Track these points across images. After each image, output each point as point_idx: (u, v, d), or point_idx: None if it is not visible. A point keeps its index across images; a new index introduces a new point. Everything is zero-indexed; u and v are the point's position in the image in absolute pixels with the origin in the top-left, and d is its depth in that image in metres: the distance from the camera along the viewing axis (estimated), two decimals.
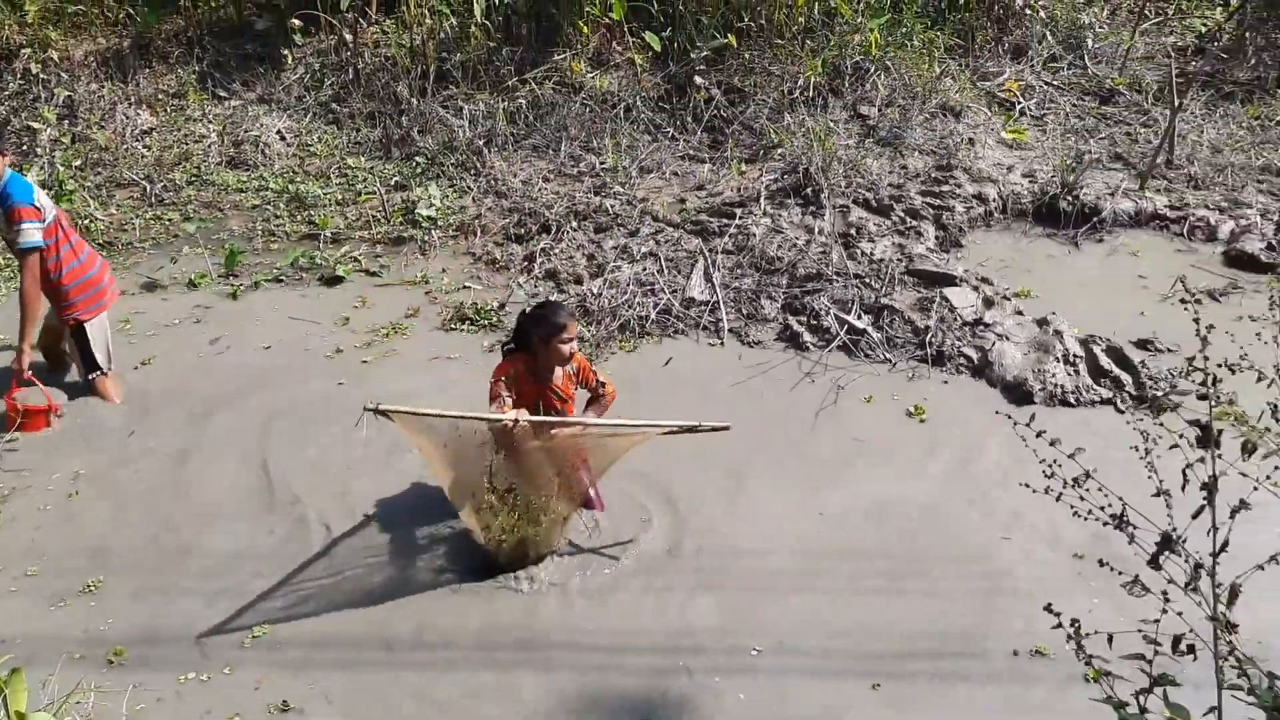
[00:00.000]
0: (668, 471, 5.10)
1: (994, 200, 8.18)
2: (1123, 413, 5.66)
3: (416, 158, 8.52)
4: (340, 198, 8.14)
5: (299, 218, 7.91)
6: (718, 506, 4.96)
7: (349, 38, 9.27)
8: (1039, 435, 2.51)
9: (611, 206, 7.79)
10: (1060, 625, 2.07)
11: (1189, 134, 9.34)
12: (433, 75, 9.06)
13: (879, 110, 8.90)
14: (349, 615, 4.30)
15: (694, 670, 4.01)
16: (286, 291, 7.02)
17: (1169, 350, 6.24)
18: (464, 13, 9.20)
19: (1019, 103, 9.69)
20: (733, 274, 7.00)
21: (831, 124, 8.54)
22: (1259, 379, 2.72)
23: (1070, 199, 8.07)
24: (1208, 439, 2.43)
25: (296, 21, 9.15)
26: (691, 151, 8.66)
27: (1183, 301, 2.49)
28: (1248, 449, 2.38)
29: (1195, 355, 2.43)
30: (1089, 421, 5.61)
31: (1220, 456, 2.47)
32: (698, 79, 8.94)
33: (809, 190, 7.75)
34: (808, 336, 6.38)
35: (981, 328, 6.33)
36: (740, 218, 7.53)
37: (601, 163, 8.39)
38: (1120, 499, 2.45)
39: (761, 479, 5.15)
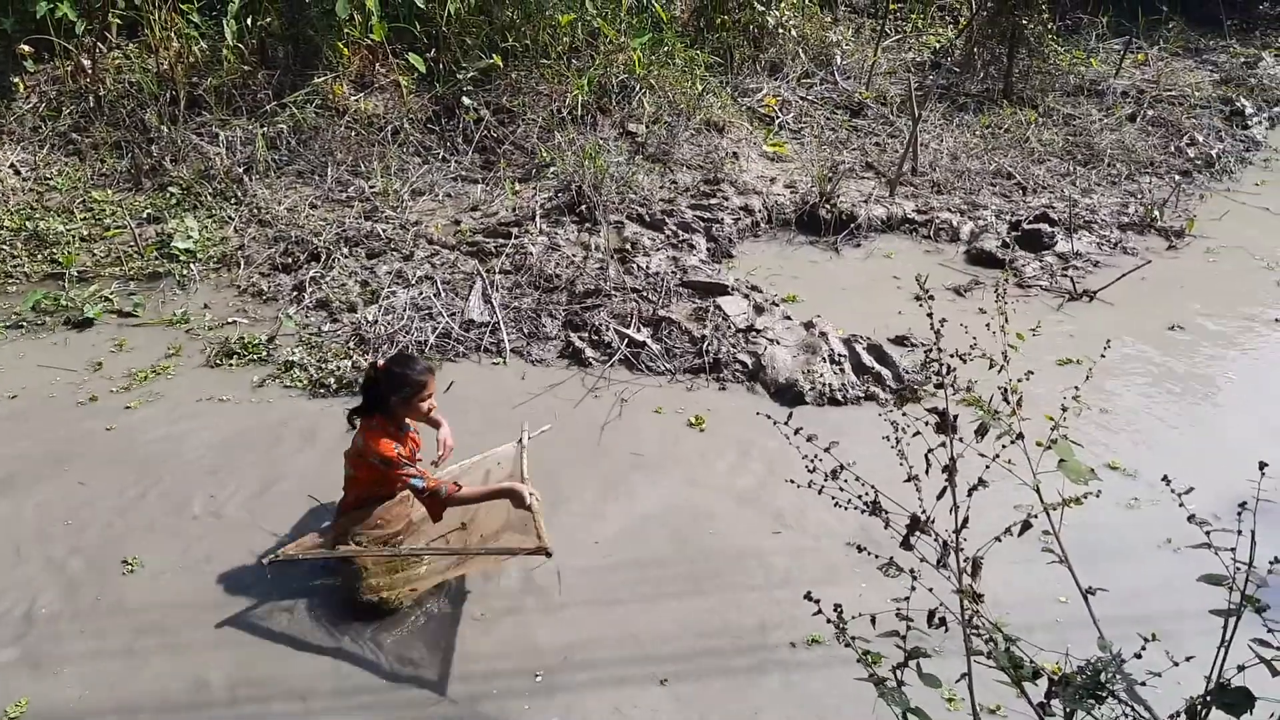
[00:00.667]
0: None
1: (760, 211, 8.54)
2: (885, 405, 6.00)
3: (170, 188, 8.05)
4: (86, 234, 7.58)
5: (39, 257, 7.31)
6: None
7: (86, 63, 8.66)
8: (796, 433, 2.62)
9: (384, 231, 7.62)
10: (820, 612, 2.17)
11: (930, 143, 10.06)
12: (184, 101, 8.60)
13: (647, 127, 9.12)
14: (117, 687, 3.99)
15: (487, 697, 3.95)
16: (27, 340, 6.46)
17: (923, 344, 6.67)
18: (215, 35, 8.79)
19: (778, 117, 10.17)
20: (512, 294, 6.98)
21: (601, 142, 8.68)
22: (990, 365, 2.95)
23: (829, 207, 8.53)
24: (944, 425, 2.61)
25: (26, 48, 8.47)
26: (464, 172, 8.59)
27: (916, 298, 2.64)
28: (980, 432, 2.57)
29: (930, 348, 2.61)
30: (857, 416, 5.92)
31: (961, 440, 2.66)
32: (466, 100, 8.90)
33: (584, 207, 7.84)
34: (590, 352, 6.44)
35: (754, 334, 6.58)
36: (517, 237, 7.53)
37: (371, 187, 8.21)
38: (873, 487, 2.59)
39: (550, 497, 5.13)
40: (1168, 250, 8.61)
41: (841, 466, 2.61)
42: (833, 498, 2.71)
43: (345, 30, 8.90)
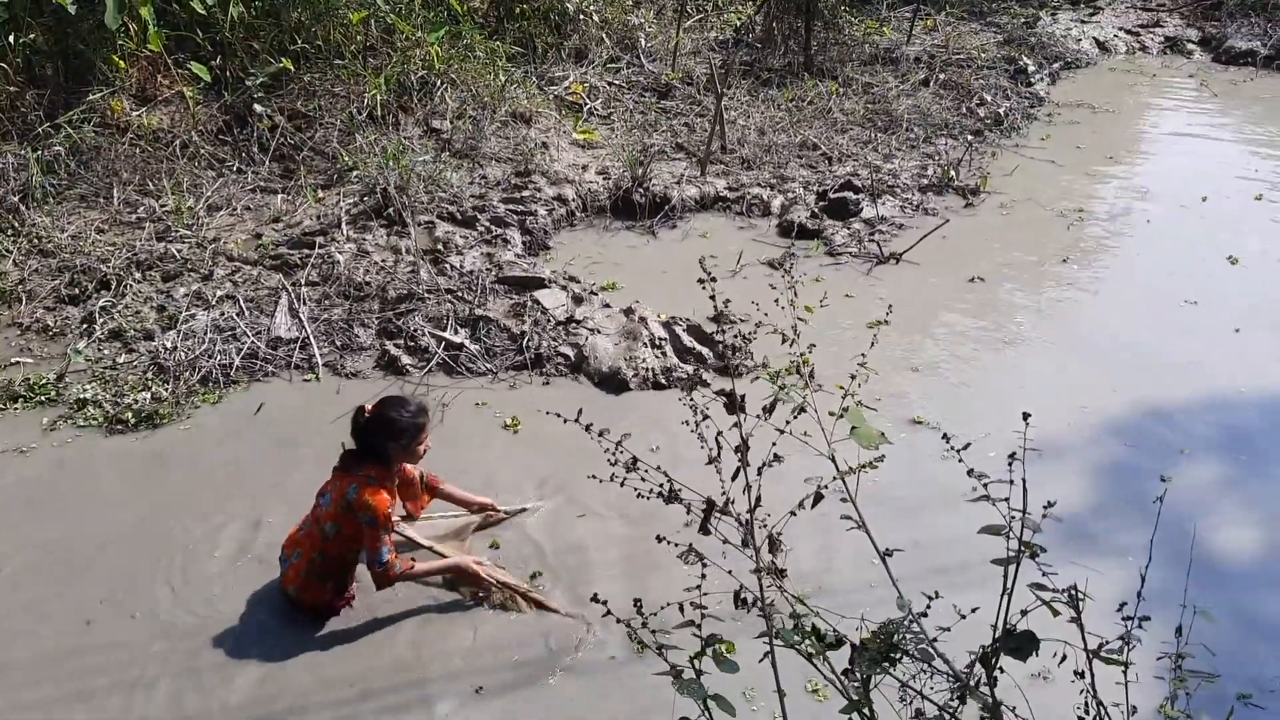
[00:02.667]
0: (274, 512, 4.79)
1: (574, 200, 8.49)
2: (708, 385, 6.05)
3: None
4: None
5: None
6: None
7: None
8: (587, 428, 2.56)
9: (179, 251, 7.21)
10: (609, 614, 2.13)
11: (738, 120, 10.22)
12: None
13: (451, 123, 8.93)
14: None
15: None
16: None
17: (740, 320, 6.75)
18: None
19: (586, 104, 10.13)
20: (321, 306, 6.72)
21: (405, 141, 8.45)
22: (783, 340, 2.97)
23: (642, 191, 8.55)
24: (733, 405, 2.61)
25: None
26: (262, 183, 8.22)
27: (700, 282, 2.63)
28: (769, 409, 2.58)
29: (718, 329, 2.60)
30: (679, 399, 5.94)
31: (758, 418, 2.66)
32: (257, 107, 8.50)
33: (391, 210, 7.61)
34: (406, 359, 6.25)
35: (574, 325, 6.53)
36: (322, 246, 7.25)
37: (162, 205, 7.74)
38: (665, 474, 2.57)
39: None
40: (965, 208, 9.00)
41: (634, 459, 2.57)
42: (634, 489, 2.67)
43: (120, 42, 8.36)
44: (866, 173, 9.26)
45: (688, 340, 6.40)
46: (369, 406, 4.17)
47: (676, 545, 2.43)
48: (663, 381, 6.13)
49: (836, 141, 10.09)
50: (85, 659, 4.08)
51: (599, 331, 6.47)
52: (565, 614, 4.29)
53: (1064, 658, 2.28)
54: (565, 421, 2.63)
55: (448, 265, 7.12)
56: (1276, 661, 4.19)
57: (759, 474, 2.43)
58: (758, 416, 2.60)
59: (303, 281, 6.89)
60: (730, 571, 2.40)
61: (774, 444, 2.48)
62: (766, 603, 2.35)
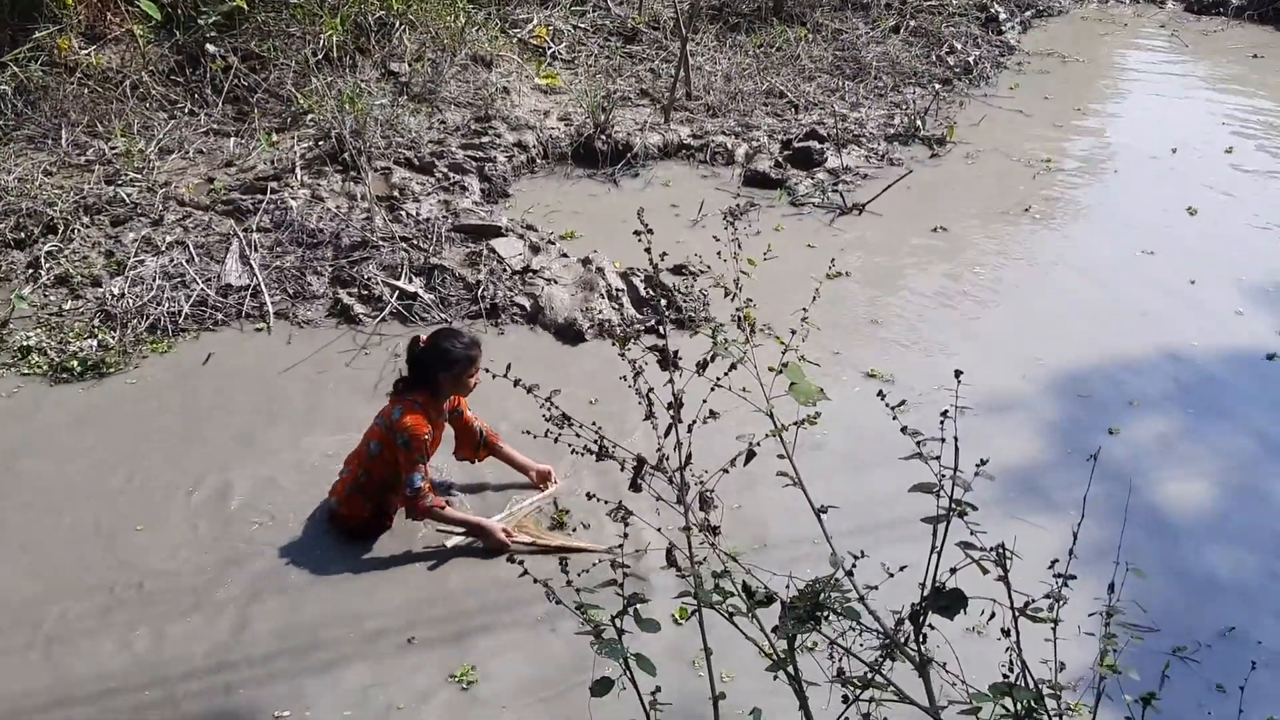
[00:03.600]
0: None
1: (534, 147, 8.35)
2: (664, 338, 5.97)
3: None
4: None
5: None
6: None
7: None
8: (516, 384, 2.51)
9: (129, 195, 7.04)
10: (525, 573, 2.10)
11: (704, 65, 10.07)
12: None
13: (410, 66, 8.73)
14: None
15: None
16: None
17: (702, 272, 6.68)
18: None
19: (549, 48, 9.94)
20: (273, 253, 6.59)
21: (362, 84, 8.26)
22: (726, 294, 2.92)
23: (605, 138, 8.42)
24: (666, 361, 2.57)
25: None
26: (215, 126, 8.03)
27: (636, 234, 2.56)
28: (702, 366, 2.53)
29: (661, 293, 2.55)
30: (635, 352, 5.89)
31: (697, 372, 2.61)
32: (210, 47, 8.27)
33: (347, 155, 7.45)
34: (359, 308, 6.16)
35: (530, 275, 6.45)
36: (276, 191, 7.10)
37: (112, 148, 7.55)
38: (598, 430, 2.53)
39: (326, 465, 4.90)
40: (931, 158, 8.94)
41: (566, 417, 2.53)
42: (570, 445, 2.63)
43: None
44: (832, 121, 9.16)
45: (645, 291, 6.34)
46: (424, 337, 4.31)
47: (606, 502, 2.40)
48: (619, 333, 6.08)
49: (804, 89, 9.96)
50: (41, 609, 4.03)
51: (556, 281, 6.40)
52: (598, 550, 4.30)
53: (992, 615, 2.28)
54: (494, 377, 2.56)
55: (404, 212, 7.00)
56: (1212, 615, 4.24)
57: (689, 431, 2.39)
58: (696, 372, 2.55)
59: (255, 228, 6.75)
60: (660, 530, 2.38)
61: (704, 401, 2.44)
62: (697, 561, 2.33)
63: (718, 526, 2.56)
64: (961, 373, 2.42)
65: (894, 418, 2.46)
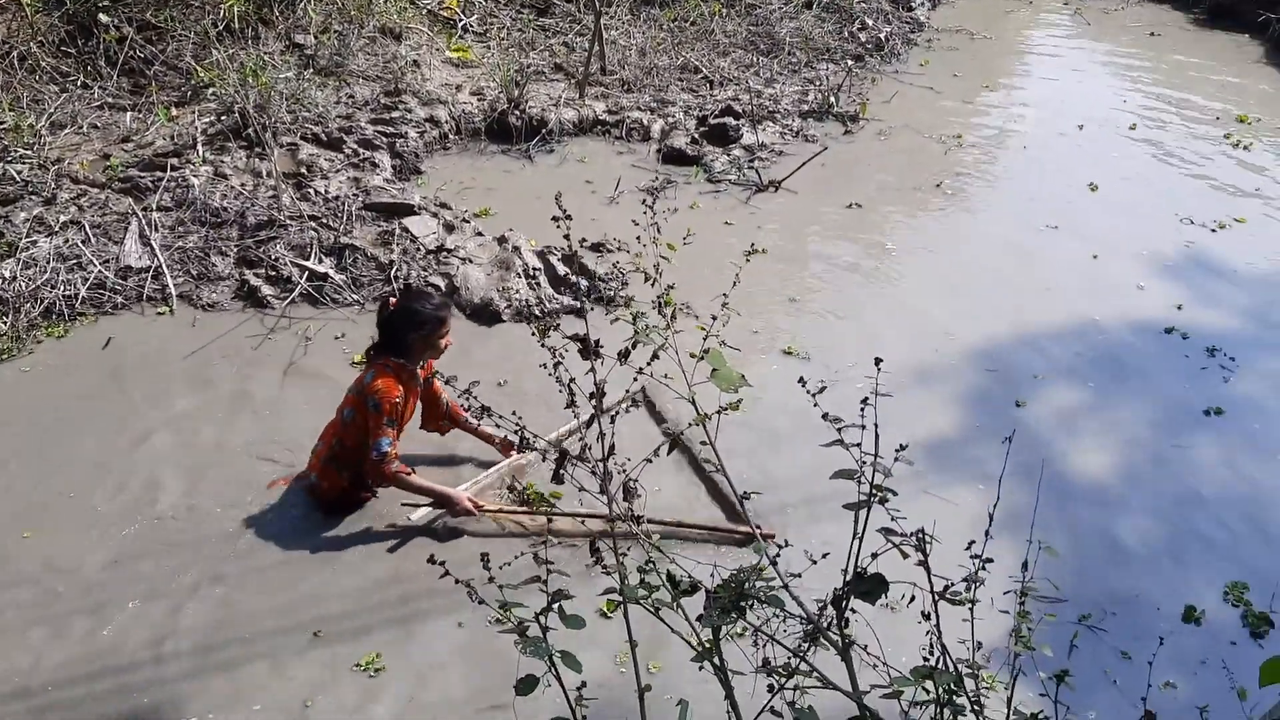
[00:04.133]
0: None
1: (447, 122, 8.19)
2: (582, 317, 5.93)
3: None
4: None
5: None
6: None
7: None
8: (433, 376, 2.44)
9: (19, 173, 6.71)
10: (447, 574, 2.05)
11: (619, 39, 9.97)
12: None
13: (315, 38, 8.47)
14: None
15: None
16: None
17: (619, 249, 6.64)
18: None
19: (460, 20, 9.74)
20: (175, 233, 6.35)
21: (266, 57, 7.99)
22: (646, 279, 2.88)
23: (518, 114, 8.30)
24: (587, 350, 2.52)
25: None
26: (110, 100, 7.69)
27: (554, 219, 2.51)
28: (624, 355, 2.50)
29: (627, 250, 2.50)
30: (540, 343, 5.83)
31: (618, 360, 2.58)
32: (103, 17, 7.90)
33: (251, 131, 7.21)
34: (267, 290, 5.98)
35: (445, 254, 6.33)
36: (176, 169, 6.84)
37: (0, 123, 7.18)
38: (518, 419, 2.48)
39: (236, 453, 4.75)
40: (844, 135, 9.01)
41: (485, 409, 2.47)
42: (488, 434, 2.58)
43: None
44: (748, 98, 9.16)
45: (563, 270, 6.27)
46: (393, 300, 4.27)
47: (542, 493, 2.35)
48: (536, 313, 6.01)
49: (718, 65, 9.95)
50: None
51: (471, 261, 6.29)
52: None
53: (912, 599, 2.30)
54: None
55: (312, 190, 6.81)
56: (1118, 583, 4.38)
57: (612, 421, 2.36)
58: (618, 361, 2.52)
59: (155, 206, 6.49)
60: (584, 521, 2.34)
61: (628, 390, 2.41)
62: (622, 553, 2.30)
63: (642, 516, 2.55)
64: (881, 360, 2.43)
65: (814, 404, 2.45)
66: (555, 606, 2.02)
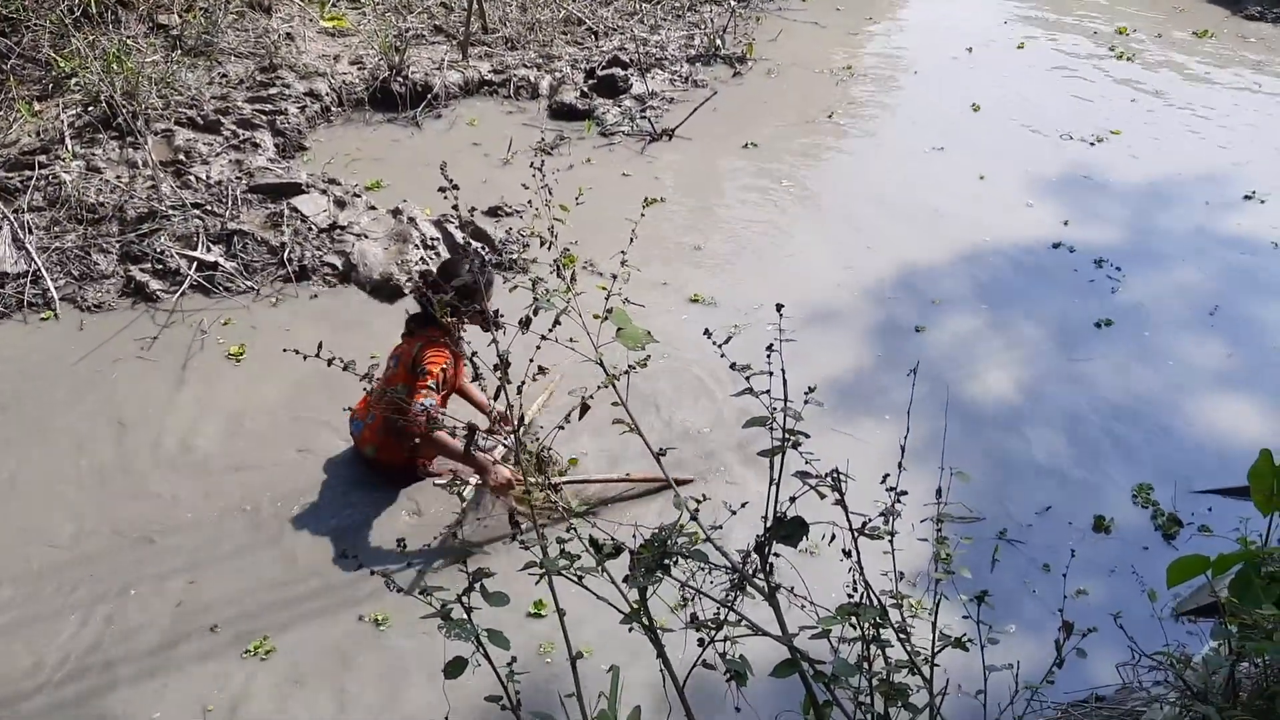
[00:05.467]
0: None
1: (328, 94, 7.95)
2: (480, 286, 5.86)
3: None
4: None
5: None
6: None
7: None
8: (330, 363, 2.37)
9: None
10: (361, 565, 2.01)
11: None
12: None
13: (180, 17, 8.11)
14: None
15: None
16: None
17: (517, 212, 6.55)
18: None
19: None
20: (50, 233, 6.06)
21: (129, 41, 7.62)
22: (542, 244, 2.84)
23: (401, 80, 8.08)
24: (487, 323, 2.48)
25: None
26: None
27: (440, 190, 2.45)
28: (524, 324, 2.46)
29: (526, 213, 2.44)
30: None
31: (519, 329, 2.54)
32: None
33: (121, 120, 6.89)
34: (155, 284, 5.75)
35: (339, 231, 6.17)
36: (46, 166, 6.50)
37: None
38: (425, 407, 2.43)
39: (141, 458, 4.60)
40: (734, 77, 8.99)
41: (384, 393, 2.41)
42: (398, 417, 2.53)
43: None
44: (634, 47, 9.07)
45: (461, 237, 6.17)
46: (431, 270, 4.35)
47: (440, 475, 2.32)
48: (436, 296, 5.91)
49: (601, 14, 9.81)
50: None
51: (366, 236, 6.15)
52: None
53: (833, 538, 2.33)
54: (305, 358, 2.41)
55: (192, 177, 6.55)
56: (1030, 497, 4.53)
57: (519, 392, 2.33)
58: (519, 330, 2.48)
59: (26, 207, 6.18)
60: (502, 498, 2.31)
61: (531, 360, 2.38)
62: (541, 524, 2.28)
63: (558, 484, 2.53)
64: (783, 306, 2.43)
65: (721, 355, 2.45)
66: (478, 585, 2.00)
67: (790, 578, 2.60)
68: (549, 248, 2.76)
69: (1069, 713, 3.45)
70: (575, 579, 2.01)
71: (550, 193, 3.04)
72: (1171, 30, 10.35)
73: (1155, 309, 5.89)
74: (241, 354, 5.25)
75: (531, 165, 3.07)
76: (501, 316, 2.50)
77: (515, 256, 6.02)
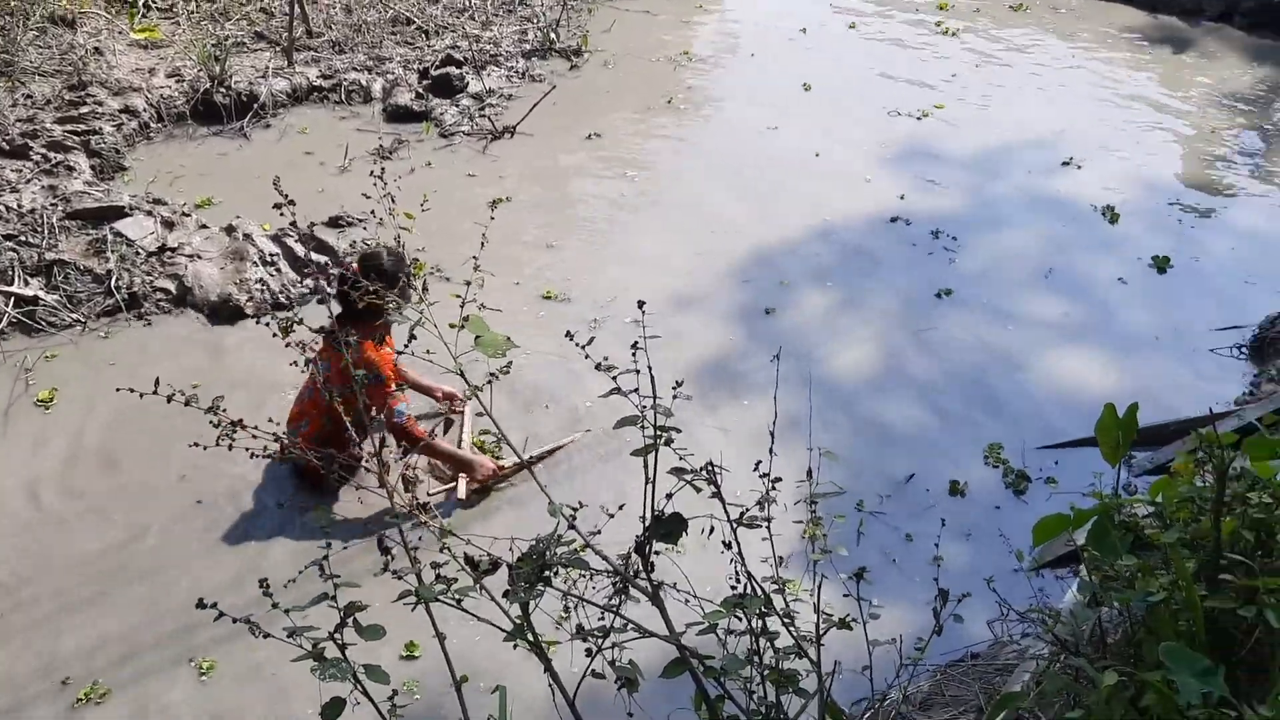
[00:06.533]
0: None
1: (146, 110, 7.53)
2: (324, 303, 5.65)
3: None
4: None
5: None
6: None
7: None
8: (170, 399, 2.22)
9: None
10: (212, 606, 1.89)
11: None
12: None
13: None
14: None
15: None
16: None
17: (360, 222, 6.34)
18: None
19: None
20: None
21: None
22: (389, 254, 2.73)
23: (224, 90, 7.72)
24: (338, 344, 2.37)
25: None
26: None
27: (276, 207, 2.31)
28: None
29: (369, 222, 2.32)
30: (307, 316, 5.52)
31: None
32: None
33: None
34: None
35: (169, 254, 5.85)
36: None
37: None
38: (277, 435, 2.30)
39: None
40: (571, 70, 8.94)
41: (236, 423, 2.26)
42: (247, 448, 2.38)
43: None
44: (467, 44, 8.90)
45: (301, 251, 5.93)
46: (353, 265, 4.14)
47: (284, 507, 2.20)
48: (283, 301, 5.68)
49: (430, 13, 9.59)
50: None
51: (200, 256, 5.85)
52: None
53: (712, 530, 2.31)
54: (141, 396, 2.24)
55: (2, 207, 6.09)
56: (892, 466, 4.66)
57: (375, 414, 2.23)
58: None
59: None
60: (367, 523, 2.21)
61: (395, 362, 2.28)
62: (412, 548, 2.19)
63: (427, 504, 2.44)
64: (644, 303, 2.40)
65: (586, 356, 2.40)
66: (350, 620, 1.90)
67: (673, 574, 2.58)
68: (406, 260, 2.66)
69: (947, 673, 3.56)
70: (454, 602, 1.94)
71: (393, 199, 2.93)
72: (989, 5, 10.79)
73: (993, 275, 6.14)
74: (51, 400, 4.90)
75: (371, 173, 2.95)
76: (352, 334, 2.39)
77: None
